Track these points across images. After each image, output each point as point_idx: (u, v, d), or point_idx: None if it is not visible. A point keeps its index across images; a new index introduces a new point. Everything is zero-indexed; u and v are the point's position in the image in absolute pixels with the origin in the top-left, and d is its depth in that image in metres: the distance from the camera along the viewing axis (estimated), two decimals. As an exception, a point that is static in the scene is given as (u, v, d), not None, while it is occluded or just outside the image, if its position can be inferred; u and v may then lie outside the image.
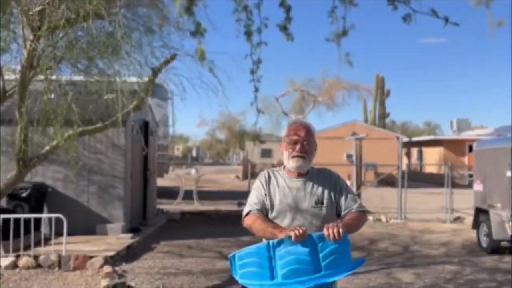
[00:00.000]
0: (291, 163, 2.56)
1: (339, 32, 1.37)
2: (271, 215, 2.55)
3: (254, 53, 1.52)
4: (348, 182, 20.39)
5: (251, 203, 2.57)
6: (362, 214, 2.62)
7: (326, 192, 2.57)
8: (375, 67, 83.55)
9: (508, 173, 8.19)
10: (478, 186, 9.32)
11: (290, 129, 2.59)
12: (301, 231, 2.22)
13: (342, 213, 2.59)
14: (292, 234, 2.21)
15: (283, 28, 1.54)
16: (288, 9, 1.49)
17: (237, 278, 2.38)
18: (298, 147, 2.53)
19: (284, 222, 2.51)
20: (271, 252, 2.26)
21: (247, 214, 2.56)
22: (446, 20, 1.57)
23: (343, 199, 2.60)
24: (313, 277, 2.23)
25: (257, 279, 2.29)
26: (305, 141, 2.54)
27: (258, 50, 1.49)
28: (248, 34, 1.43)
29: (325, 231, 2.25)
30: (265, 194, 2.56)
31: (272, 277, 2.25)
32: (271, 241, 2.29)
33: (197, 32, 1.13)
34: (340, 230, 2.24)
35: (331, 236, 2.23)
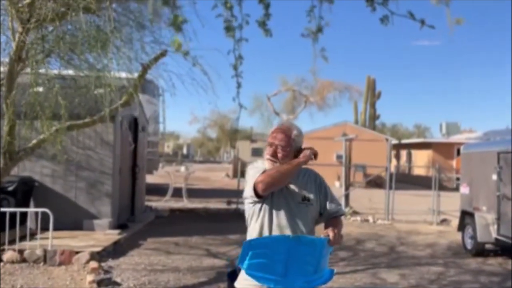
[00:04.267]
0: (265, 164, 2.63)
1: (312, 30, 1.39)
2: (263, 206, 2.55)
3: (236, 49, 1.54)
4: (337, 183, 20.43)
5: (256, 176, 2.51)
6: (341, 219, 2.72)
7: (311, 191, 2.63)
8: (367, 68, 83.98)
9: (494, 177, 8.30)
10: (464, 189, 9.43)
11: (272, 131, 2.68)
12: (314, 151, 2.54)
13: (327, 214, 2.66)
14: (308, 154, 2.54)
15: (262, 24, 1.56)
16: (267, 6, 1.51)
17: (243, 267, 2.33)
18: (270, 150, 2.61)
19: (271, 216, 2.53)
20: (287, 245, 2.27)
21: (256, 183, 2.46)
22: (422, 22, 1.60)
23: (328, 202, 2.68)
24: (312, 278, 2.34)
25: (264, 272, 2.28)
26: (278, 146, 2.60)
27: (239, 47, 1.51)
28: (228, 29, 1.44)
29: (331, 234, 2.36)
30: None
31: (284, 272, 2.26)
32: (289, 235, 2.35)
33: (175, 24, 1.14)
34: (341, 237, 2.44)
35: (336, 240, 2.37)
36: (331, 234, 2.36)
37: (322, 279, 2.39)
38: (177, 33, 1.19)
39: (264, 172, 2.53)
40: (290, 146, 2.63)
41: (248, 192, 2.55)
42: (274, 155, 2.60)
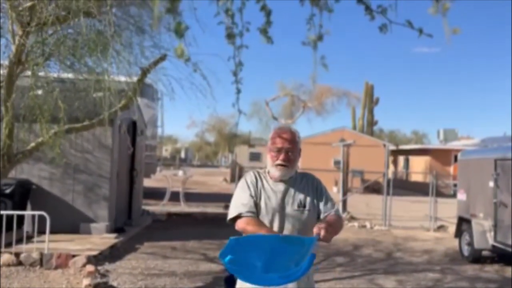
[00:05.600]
0: (273, 171, 2.59)
1: (314, 38, 1.41)
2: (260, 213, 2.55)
3: (237, 56, 1.56)
4: (335, 188, 20.42)
5: (239, 204, 2.53)
6: (340, 218, 2.65)
7: (308, 196, 2.60)
8: (366, 74, 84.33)
9: (491, 184, 8.32)
10: (461, 196, 9.45)
11: (275, 135, 2.60)
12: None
13: (322, 216, 2.62)
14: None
15: (264, 31, 1.58)
16: (268, 13, 1.53)
17: (224, 261, 2.25)
18: (282, 156, 2.55)
19: (268, 225, 2.52)
20: (272, 244, 2.23)
21: (238, 216, 2.50)
22: (420, 31, 1.63)
23: (322, 203, 2.63)
24: (289, 273, 2.25)
25: (245, 267, 2.25)
26: (289, 150, 2.56)
27: (240, 53, 1.53)
28: (230, 37, 1.46)
29: (322, 232, 2.24)
30: (251, 196, 2.56)
31: (266, 270, 2.23)
32: (279, 235, 2.28)
33: (178, 32, 1.16)
34: (333, 234, 2.31)
35: (327, 238, 2.26)
36: (322, 232, 2.24)
37: (301, 271, 2.26)
38: (179, 40, 1.20)
39: (244, 215, 2.48)
40: (297, 150, 2.62)
41: (230, 214, 2.53)
42: (286, 160, 2.56)
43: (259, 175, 2.65)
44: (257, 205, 2.55)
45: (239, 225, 2.49)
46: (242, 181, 2.65)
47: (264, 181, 2.62)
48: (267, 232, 2.41)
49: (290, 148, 2.56)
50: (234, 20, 1.48)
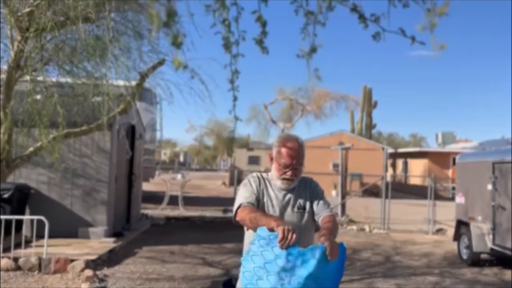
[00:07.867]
0: (279, 184, 2.61)
1: (305, 50, 1.43)
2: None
3: (233, 64, 1.58)
4: (334, 192, 20.39)
5: (241, 198, 2.54)
6: (335, 218, 2.63)
7: (307, 199, 2.65)
8: (364, 78, 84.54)
9: (489, 187, 8.34)
10: (460, 199, 9.47)
11: (283, 148, 2.58)
12: (290, 235, 2.11)
13: (316, 217, 2.63)
14: (280, 232, 2.11)
15: (259, 42, 1.60)
16: (264, 24, 1.55)
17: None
18: (289, 172, 2.56)
19: None
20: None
21: (239, 207, 2.50)
22: (413, 39, 1.65)
23: (316, 203, 2.66)
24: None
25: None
26: (296, 167, 2.57)
27: (236, 61, 1.55)
28: (227, 46, 1.48)
29: (328, 250, 2.19)
30: (254, 193, 2.58)
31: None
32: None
33: (175, 43, 1.18)
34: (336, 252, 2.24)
35: (334, 252, 2.22)
36: (328, 249, 2.18)
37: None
38: (176, 50, 1.22)
39: (243, 205, 2.48)
40: (303, 162, 2.63)
41: (234, 211, 2.55)
42: (293, 175, 2.57)
43: (263, 178, 2.68)
44: (259, 201, 2.57)
45: (239, 214, 2.47)
46: (245, 181, 2.68)
47: (267, 184, 2.66)
48: (262, 215, 2.35)
49: (297, 164, 2.57)
50: (230, 29, 1.50)
